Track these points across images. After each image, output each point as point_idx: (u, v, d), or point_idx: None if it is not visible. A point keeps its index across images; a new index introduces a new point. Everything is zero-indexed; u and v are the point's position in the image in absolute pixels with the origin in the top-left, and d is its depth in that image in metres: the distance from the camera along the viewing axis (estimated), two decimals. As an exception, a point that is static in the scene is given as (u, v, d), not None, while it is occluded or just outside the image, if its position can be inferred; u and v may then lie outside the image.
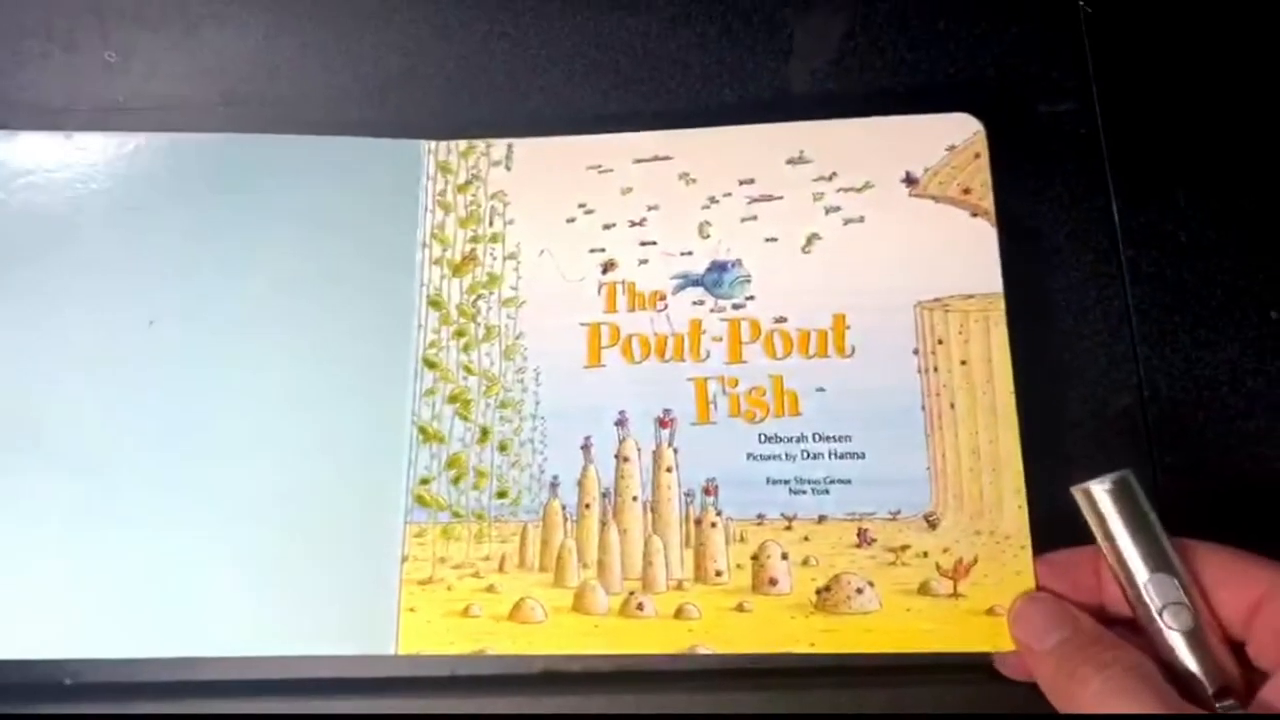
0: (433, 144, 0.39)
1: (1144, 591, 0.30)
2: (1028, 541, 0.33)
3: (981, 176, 0.37)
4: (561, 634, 0.34)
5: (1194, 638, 0.29)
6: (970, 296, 0.36)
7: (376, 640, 0.35)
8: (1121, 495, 0.31)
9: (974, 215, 0.37)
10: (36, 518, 0.36)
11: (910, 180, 0.38)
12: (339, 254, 0.38)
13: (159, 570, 0.35)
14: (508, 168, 0.39)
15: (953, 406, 0.35)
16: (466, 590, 0.35)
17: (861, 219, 0.38)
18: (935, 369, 0.36)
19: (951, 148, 0.38)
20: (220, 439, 0.36)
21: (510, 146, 0.39)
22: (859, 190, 0.38)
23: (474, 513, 0.36)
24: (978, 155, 0.38)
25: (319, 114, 0.41)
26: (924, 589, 0.34)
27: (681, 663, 0.35)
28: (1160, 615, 0.29)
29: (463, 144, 0.39)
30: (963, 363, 0.36)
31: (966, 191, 0.37)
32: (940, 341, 0.36)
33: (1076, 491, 0.32)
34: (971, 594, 0.33)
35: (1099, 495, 0.31)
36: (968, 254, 0.37)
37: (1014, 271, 0.36)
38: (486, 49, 0.42)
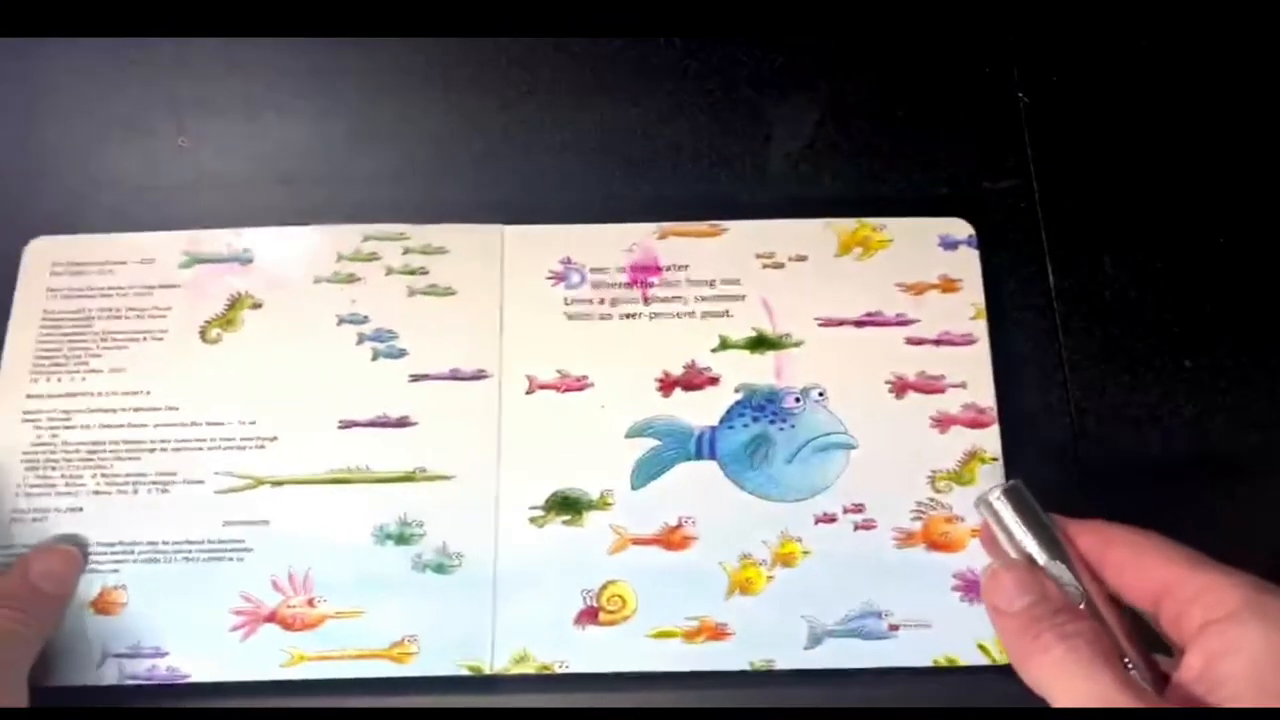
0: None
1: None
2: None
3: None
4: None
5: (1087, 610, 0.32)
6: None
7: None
8: (1014, 500, 0.35)
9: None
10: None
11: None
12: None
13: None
14: None
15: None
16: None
17: None
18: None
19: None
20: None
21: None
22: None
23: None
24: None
25: (360, 195, 0.45)
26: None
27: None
28: None
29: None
30: None
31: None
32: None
33: (978, 503, 0.36)
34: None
35: (996, 503, 0.35)
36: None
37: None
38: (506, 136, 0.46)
